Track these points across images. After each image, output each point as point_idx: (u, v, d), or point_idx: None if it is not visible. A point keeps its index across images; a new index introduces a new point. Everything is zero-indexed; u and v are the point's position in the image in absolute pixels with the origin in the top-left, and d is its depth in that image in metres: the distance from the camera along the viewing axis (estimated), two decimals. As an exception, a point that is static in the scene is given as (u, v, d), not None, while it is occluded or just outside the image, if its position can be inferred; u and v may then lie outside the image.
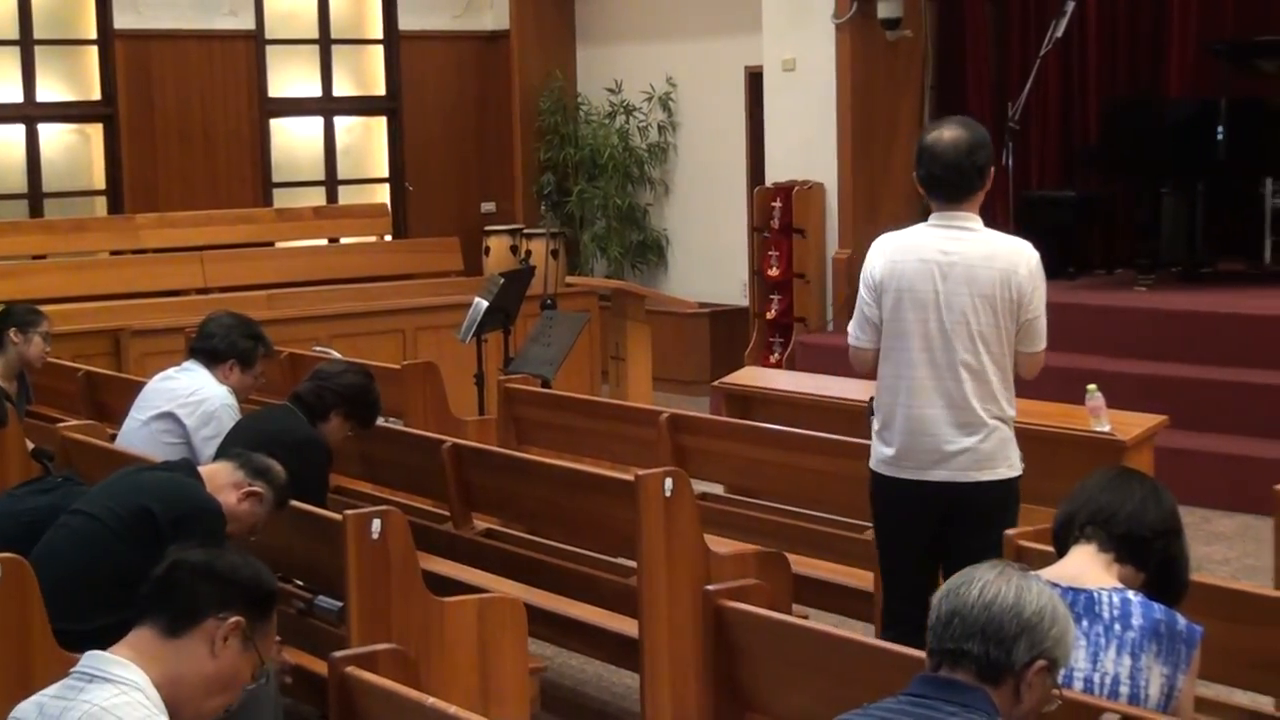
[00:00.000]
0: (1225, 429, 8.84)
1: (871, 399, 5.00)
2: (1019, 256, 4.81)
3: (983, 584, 2.91)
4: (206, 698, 3.09)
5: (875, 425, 4.95)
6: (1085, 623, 3.36)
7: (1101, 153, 11.21)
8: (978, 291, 4.76)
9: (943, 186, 4.81)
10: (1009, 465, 4.85)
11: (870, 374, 5.00)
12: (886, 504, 4.99)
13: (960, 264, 4.77)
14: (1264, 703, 4.67)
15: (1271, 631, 3.98)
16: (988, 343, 4.77)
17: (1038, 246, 4.91)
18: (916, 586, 4.61)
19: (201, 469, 4.73)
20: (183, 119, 13.26)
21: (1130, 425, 6.09)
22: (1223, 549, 7.78)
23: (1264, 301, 9.74)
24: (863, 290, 4.92)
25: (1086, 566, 3.49)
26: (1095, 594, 3.40)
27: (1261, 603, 4.12)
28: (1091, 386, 6.14)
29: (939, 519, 4.86)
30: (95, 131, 13.15)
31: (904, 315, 4.82)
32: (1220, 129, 10.09)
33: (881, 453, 4.92)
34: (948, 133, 4.81)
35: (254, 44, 13.61)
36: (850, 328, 4.99)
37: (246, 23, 13.52)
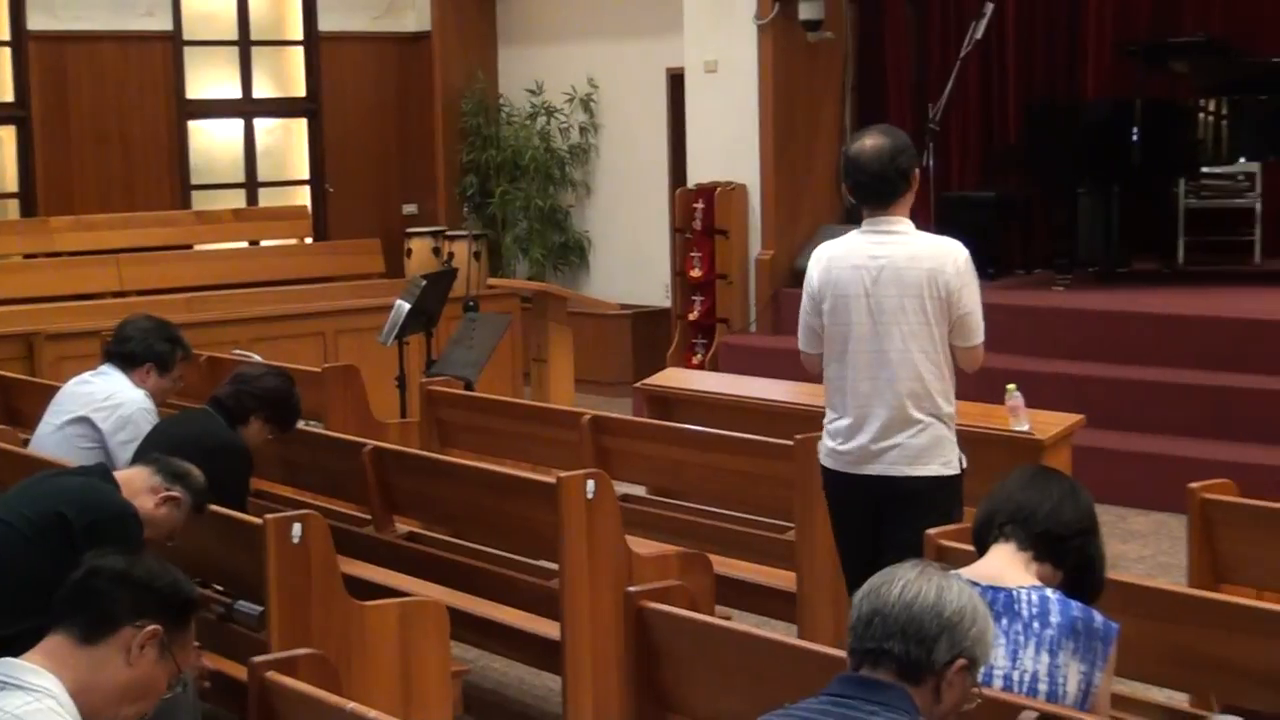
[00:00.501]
0: (1141, 428, 8.92)
1: None
2: (946, 255, 4.94)
3: (903, 583, 2.93)
4: (121, 706, 3.05)
5: (825, 421, 5.13)
6: (1004, 621, 3.38)
7: (1020, 154, 11.31)
8: (906, 292, 4.90)
9: (870, 193, 4.98)
10: (943, 463, 4.95)
11: (820, 378, 5.19)
12: (832, 496, 5.20)
13: (888, 267, 4.92)
14: (1179, 699, 4.73)
15: (1186, 628, 4.03)
16: (919, 341, 4.91)
17: None
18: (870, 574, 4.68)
19: (117, 474, 4.67)
20: (98, 121, 13.13)
21: (1049, 424, 6.15)
22: (1138, 547, 7.86)
23: (1177, 301, 9.85)
24: (804, 299, 5.15)
25: (1006, 565, 3.51)
26: (1014, 592, 3.42)
27: (1176, 600, 4.17)
28: (1011, 386, 6.19)
29: (874, 513, 5.00)
30: (8, 134, 12.99)
31: (840, 320, 5.01)
32: (1135, 130, 10.20)
33: (826, 446, 5.12)
34: (869, 141, 4.98)
35: (171, 45, 13.49)
36: (798, 335, 5.20)
37: (164, 24, 13.40)
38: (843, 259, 5.04)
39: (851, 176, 5.03)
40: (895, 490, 4.93)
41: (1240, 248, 11.04)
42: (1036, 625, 3.37)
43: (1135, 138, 10.20)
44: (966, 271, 4.94)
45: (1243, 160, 10.64)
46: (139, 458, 5.12)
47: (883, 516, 4.97)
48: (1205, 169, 10.82)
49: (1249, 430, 8.59)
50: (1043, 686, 3.34)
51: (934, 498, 4.92)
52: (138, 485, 4.55)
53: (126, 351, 6.11)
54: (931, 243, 4.99)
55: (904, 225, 4.99)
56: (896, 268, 4.92)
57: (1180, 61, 10.52)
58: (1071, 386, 8.86)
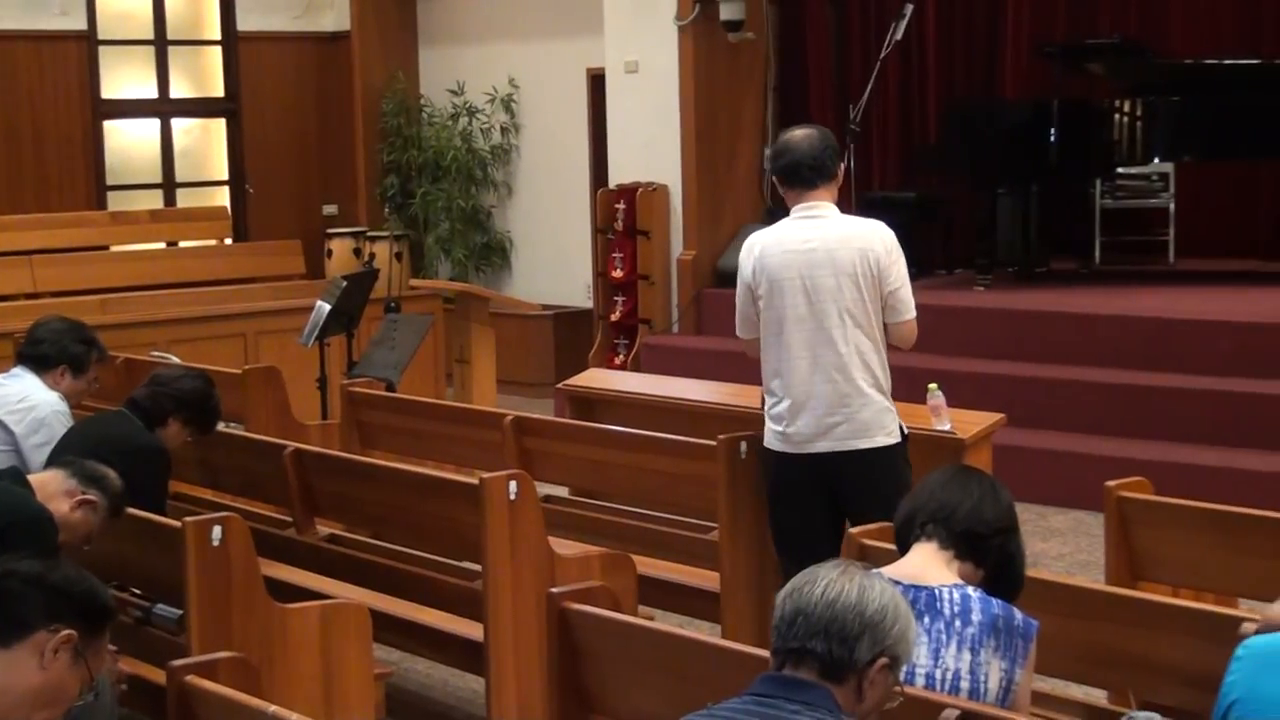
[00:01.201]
0: (1059, 426, 9.00)
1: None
2: (874, 234, 5.28)
3: (826, 583, 2.93)
4: (32, 710, 3.02)
5: (766, 406, 5.34)
6: (927, 619, 3.39)
7: (940, 154, 11.39)
8: (840, 270, 5.19)
9: (801, 175, 5.26)
10: (886, 433, 5.23)
11: (753, 356, 5.40)
12: (781, 479, 5.33)
13: (820, 249, 5.20)
14: (1098, 696, 4.77)
15: (1104, 626, 4.06)
16: (855, 318, 5.18)
17: None
18: (819, 555, 4.70)
19: (31, 477, 4.61)
20: (10, 121, 12.97)
21: (970, 423, 6.18)
22: (1057, 545, 7.92)
23: (1094, 301, 9.95)
24: (739, 287, 5.35)
25: (927, 564, 3.53)
26: (936, 591, 3.44)
27: (1094, 597, 4.21)
28: (932, 385, 6.22)
29: (829, 489, 5.22)
30: (-81, 133, 12.84)
31: (776, 304, 5.23)
32: (1053, 131, 10.29)
33: (773, 429, 5.30)
34: (799, 131, 5.34)
35: (86, 45, 13.35)
36: (736, 324, 5.41)
37: (78, 23, 13.26)
38: (775, 245, 5.27)
39: (782, 159, 5.27)
40: (846, 465, 5.18)
41: (1155, 247, 11.16)
42: (958, 623, 3.39)
43: (1053, 138, 10.30)
44: (895, 249, 5.27)
45: (1157, 160, 10.76)
46: (53, 461, 5.07)
47: (838, 495, 5.21)
48: (1120, 169, 10.94)
49: (1164, 429, 8.69)
50: (964, 684, 3.36)
51: (886, 466, 5.21)
52: (52, 489, 4.50)
53: (39, 354, 6.04)
54: (859, 223, 5.33)
55: (831, 210, 5.30)
56: (829, 249, 5.19)
57: (1096, 63, 10.62)
58: (992, 386, 8.92)
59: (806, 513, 5.27)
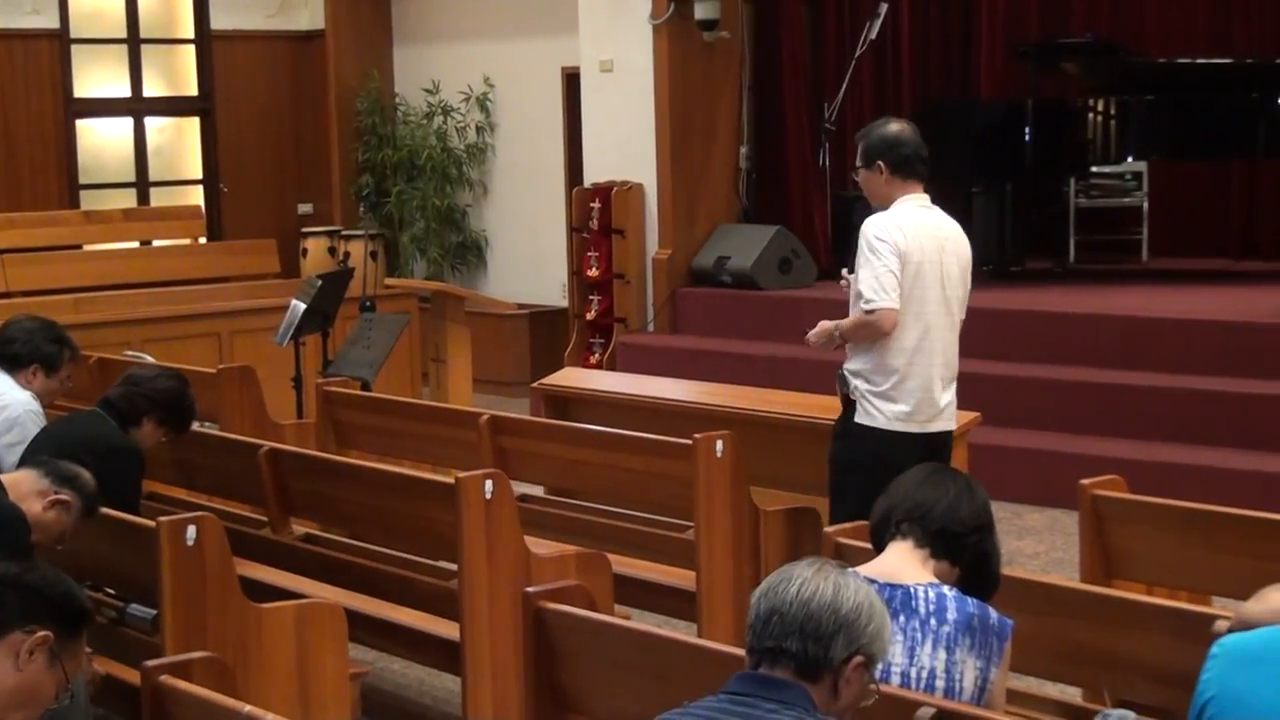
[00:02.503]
0: (1035, 425, 9.02)
1: (842, 368, 5.50)
2: (964, 235, 5.60)
3: (801, 581, 2.93)
4: (6, 712, 3.01)
5: (878, 384, 5.39)
6: (902, 618, 3.40)
7: (914, 154, 11.38)
8: (961, 264, 5.51)
9: (916, 166, 5.49)
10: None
11: (889, 332, 5.35)
12: (895, 459, 5.14)
13: (951, 239, 5.50)
14: (1072, 694, 4.78)
15: (1079, 624, 4.07)
16: (961, 308, 5.53)
17: (854, 245, 5.42)
18: None
19: (4, 477, 4.59)
20: (-17, 120, 12.94)
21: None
22: (1033, 543, 7.94)
23: (1070, 299, 9.98)
24: (888, 258, 5.33)
25: (903, 562, 3.54)
26: (912, 589, 3.45)
27: (1069, 596, 4.22)
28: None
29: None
30: (-110, 132, 12.78)
31: (920, 284, 5.37)
32: (1027, 130, 10.32)
33: (891, 409, 5.40)
34: (901, 124, 5.56)
35: (58, 43, 13.30)
36: (878, 291, 5.31)
37: (50, 21, 13.22)
38: (915, 227, 5.41)
39: (901, 149, 5.44)
40: (944, 443, 5.50)
41: (1128, 246, 11.21)
42: (933, 622, 3.40)
43: (1027, 137, 10.33)
44: None
45: (1130, 160, 10.80)
46: (26, 460, 5.04)
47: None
48: (1094, 169, 10.98)
49: (1139, 427, 8.71)
50: (940, 683, 3.36)
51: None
52: (25, 489, 4.48)
53: (11, 353, 6.01)
54: (954, 221, 5.61)
55: (930, 203, 5.53)
56: (955, 240, 5.51)
57: (1070, 62, 10.66)
58: (967, 384, 8.81)
59: None
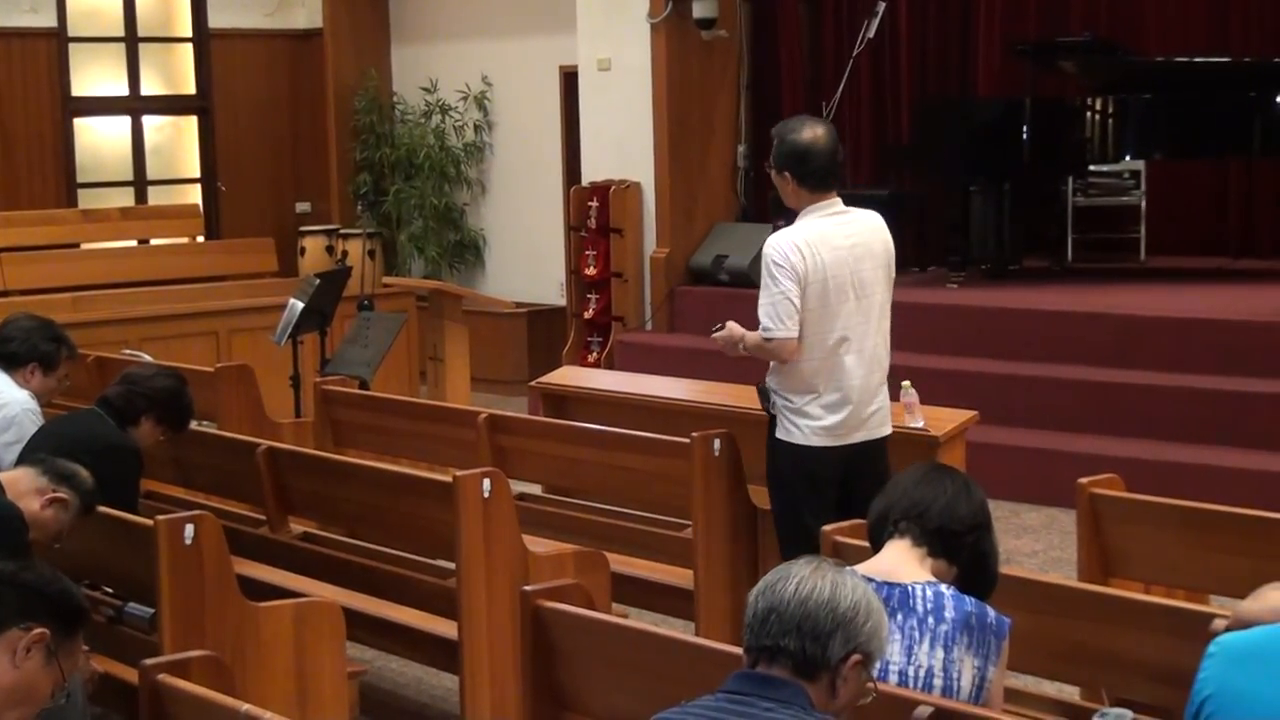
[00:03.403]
0: (1032, 424, 9.03)
1: (763, 382, 5.41)
2: (883, 224, 5.46)
3: (798, 580, 2.93)
4: (2, 710, 3.00)
5: (799, 403, 5.31)
6: (900, 617, 3.40)
7: (913, 152, 11.42)
8: (877, 264, 5.37)
9: (826, 177, 5.30)
10: (890, 421, 5.53)
11: (789, 359, 5.28)
12: (814, 475, 5.34)
13: (860, 244, 5.32)
14: (1070, 692, 4.79)
15: (1077, 623, 4.07)
16: (884, 308, 5.40)
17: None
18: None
19: (1, 475, 4.59)
20: (-20, 118, 12.93)
21: (943, 421, 6.19)
22: (1030, 542, 7.94)
23: (1068, 297, 9.98)
24: (784, 283, 5.22)
25: (901, 561, 3.54)
26: (909, 588, 3.45)
27: (1067, 594, 4.22)
28: (906, 383, 6.22)
29: (843, 479, 5.35)
30: (-113, 131, 12.78)
31: (830, 300, 5.26)
32: (1025, 129, 10.32)
33: (808, 425, 5.31)
34: (819, 129, 5.33)
35: (56, 42, 13.29)
36: (775, 320, 5.23)
37: (48, 20, 13.21)
38: (819, 243, 5.26)
39: (811, 163, 5.25)
40: (870, 452, 5.37)
41: (1126, 245, 11.21)
42: (931, 621, 3.40)
43: (1025, 136, 10.34)
44: None
45: (1128, 159, 10.80)
46: (24, 459, 5.04)
47: (847, 484, 5.31)
48: (1092, 167, 10.97)
49: (1137, 426, 8.72)
50: (938, 681, 3.36)
51: (887, 454, 5.44)
52: (23, 487, 4.48)
53: (8, 352, 6.01)
54: (869, 215, 5.45)
55: (842, 205, 5.37)
56: (867, 243, 5.34)
57: (1068, 61, 10.66)
58: (965, 383, 8.94)
59: (829, 505, 5.28)
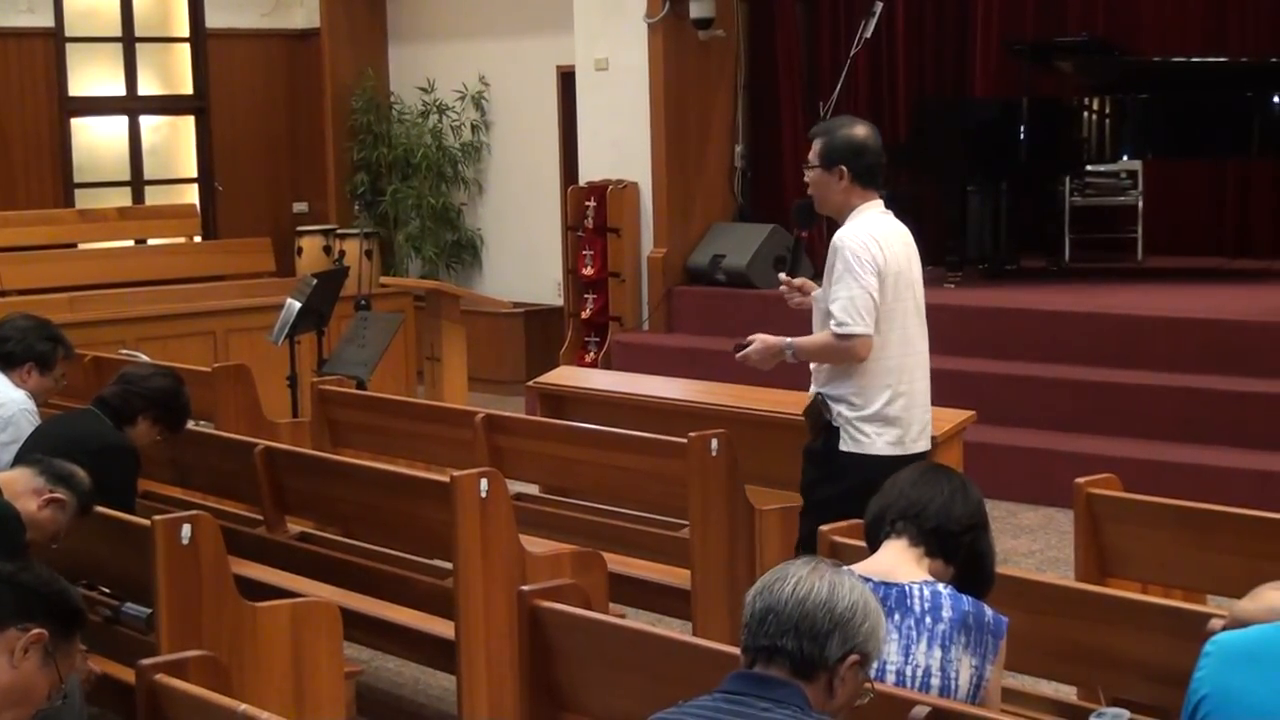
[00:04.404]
0: (1029, 424, 9.03)
1: (820, 395, 5.13)
2: None
3: (796, 580, 2.93)
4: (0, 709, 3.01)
5: (873, 406, 5.07)
6: (897, 616, 3.40)
7: (910, 152, 11.40)
8: (920, 269, 5.29)
9: (879, 175, 5.19)
10: None
11: (863, 358, 5.05)
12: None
13: (913, 245, 5.23)
14: (1067, 692, 4.79)
15: (1074, 622, 4.07)
16: (924, 313, 5.28)
17: (825, 258, 5.22)
18: None
19: (-1, 476, 4.59)
20: (-24, 118, 12.93)
21: (940, 421, 6.19)
22: (1027, 541, 7.95)
23: (1064, 298, 9.99)
24: (866, 278, 5.01)
25: (898, 561, 3.54)
26: (907, 588, 3.45)
27: (1064, 594, 4.22)
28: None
29: None
30: (-116, 131, 12.77)
31: (902, 297, 5.15)
32: (1022, 128, 10.32)
33: (885, 433, 5.08)
34: (867, 128, 5.19)
35: (53, 42, 13.29)
36: (854, 316, 5.00)
37: (45, 20, 13.21)
38: (889, 238, 5.12)
39: (865, 158, 5.11)
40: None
41: (1124, 245, 11.21)
42: (929, 620, 3.40)
43: (1022, 136, 10.34)
44: None
45: (1125, 158, 10.80)
46: (21, 459, 5.04)
47: None
48: (1089, 167, 10.98)
49: (1134, 425, 8.72)
50: (935, 681, 3.37)
51: None
52: (20, 487, 4.48)
53: (5, 352, 6.00)
54: None
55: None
56: (913, 245, 5.23)
57: (1065, 61, 10.66)
58: (962, 383, 8.92)
59: None
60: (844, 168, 5.10)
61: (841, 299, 5.01)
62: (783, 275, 5.40)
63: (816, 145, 5.17)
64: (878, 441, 5.09)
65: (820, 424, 5.16)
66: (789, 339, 5.16)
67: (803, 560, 3.01)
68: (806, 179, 5.21)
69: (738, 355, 5.28)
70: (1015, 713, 4.17)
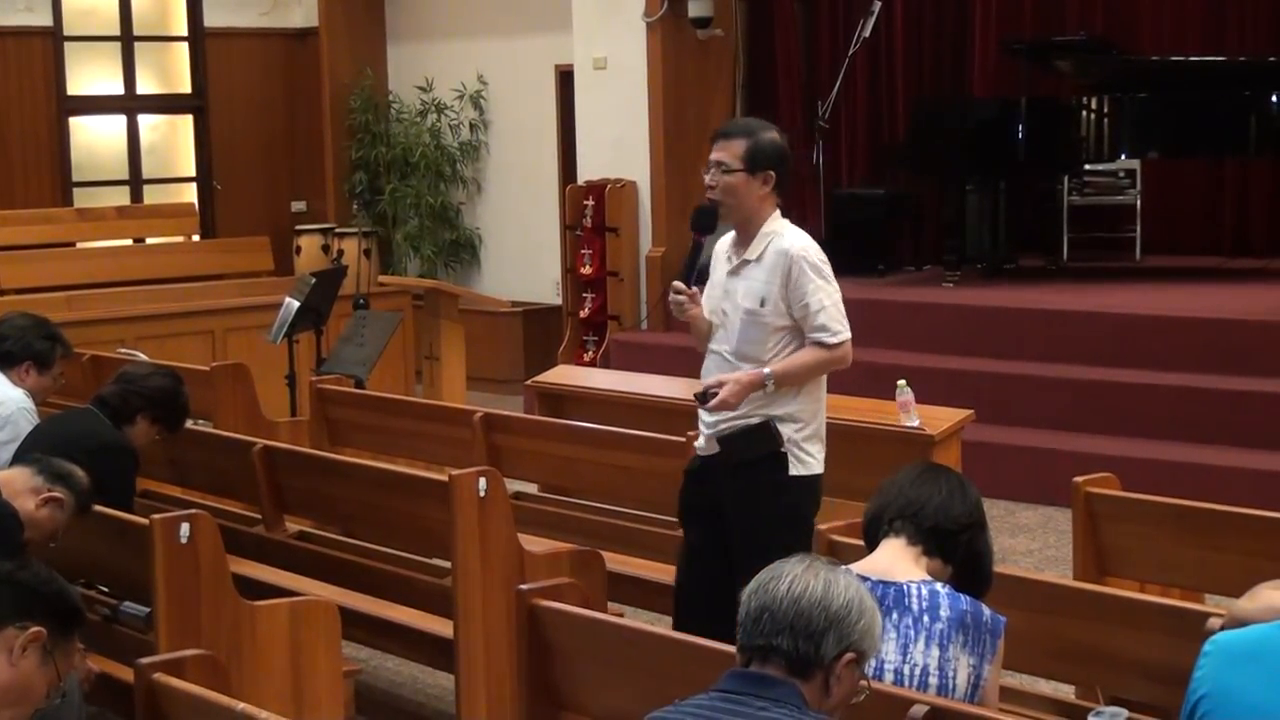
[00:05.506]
0: (1028, 422, 9.03)
1: (772, 420, 4.80)
2: None
3: (791, 578, 2.93)
4: (-2, 708, 3.01)
5: (809, 426, 4.84)
6: (895, 615, 3.40)
7: (909, 151, 11.41)
8: None
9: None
10: None
11: (848, 364, 4.87)
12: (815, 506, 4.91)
13: None
14: (1065, 691, 4.79)
15: (1072, 621, 4.08)
16: None
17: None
18: None
19: (-3, 475, 4.59)
20: (-26, 117, 12.93)
21: (939, 420, 6.20)
22: (1026, 540, 7.95)
23: (1062, 297, 9.99)
24: (835, 286, 4.83)
25: (896, 560, 3.54)
26: (905, 587, 3.45)
27: (1062, 593, 4.23)
28: (901, 382, 6.24)
29: None
30: (-117, 129, 12.76)
31: None
32: (1020, 128, 10.33)
33: (821, 450, 4.86)
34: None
35: (52, 40, 13.28)
36: (842, 321, 4.81)
37: (43, 19, 13.20)
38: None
39: (787, 165, 4.89)
40: None
41: (1122, 244, 11.22)
42: (927, 619, 3.40)
43: (1020, 135, 10.34)
44: None
45: (1123, 157, 10.80)
46: (19, 458, 5.04)
47: None
48: (1088, 166, 10.98)
49: (1132, 424, 8.72)
50: (933, 680, 3.37)
51: None
52: (18, 486, 4.48)
53: (3, 351, 6.01)
54: None
55: None
56: None
57: (1064, 60, 10.66)
58: (960, 382, 8.95)
59: None
60: (772, 173, 4.81)
61: (826, 306, 4.76)
62: (678, 284, 5.04)
63: (736, 147, 4.81)
64: (817, 461, 4.86)
65: (764, 453, 4.81)
66: (765, 369, 4.75)
67: (798, 558, 3.00)
68: (713, 181, 4.85)
69: (708, 406, 4.83)
70: (1013, 712, 4.17)
